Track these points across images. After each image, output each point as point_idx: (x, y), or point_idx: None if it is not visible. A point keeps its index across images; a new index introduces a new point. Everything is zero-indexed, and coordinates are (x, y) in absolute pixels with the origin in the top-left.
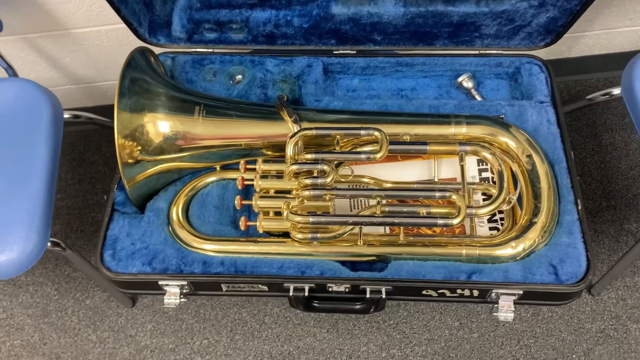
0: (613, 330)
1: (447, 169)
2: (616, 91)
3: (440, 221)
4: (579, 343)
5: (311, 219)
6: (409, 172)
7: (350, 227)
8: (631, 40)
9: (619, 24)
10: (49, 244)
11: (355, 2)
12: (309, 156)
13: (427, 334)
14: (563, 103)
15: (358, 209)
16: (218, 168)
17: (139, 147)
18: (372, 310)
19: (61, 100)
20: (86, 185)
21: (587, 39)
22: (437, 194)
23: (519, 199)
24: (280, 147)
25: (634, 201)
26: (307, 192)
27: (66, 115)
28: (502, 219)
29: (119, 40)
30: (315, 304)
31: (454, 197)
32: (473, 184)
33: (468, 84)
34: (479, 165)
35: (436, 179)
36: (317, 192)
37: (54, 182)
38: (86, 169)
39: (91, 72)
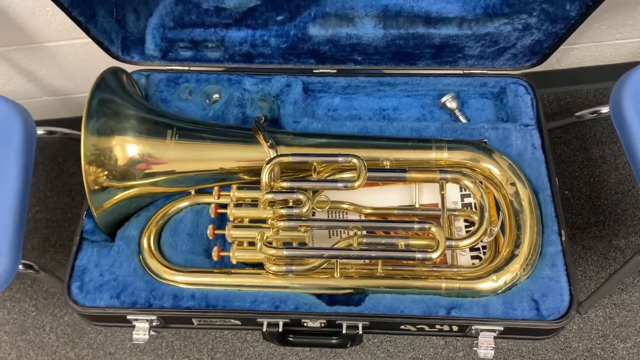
0: (600, 350)
1: (428, 193)
2: (604, 110)
3: (418, 255)
4: None
5: (285, 252)
6: (390, 197)
7: (327, 259)
8: (622, 52)
9: (609, 37)
10: (20, 266)
11: (333, 23)
12: (284, 184)
13: (412, 353)
14: (552, 115)
15: (337, 235)
16: (192, 192)
17: (108, 173)
18: (348, 345)
19: (38, 112)
20: (65, 197)
21: (577, 52)
22: (416, 226)
23: (502, 228)
24: (257, 172)
25: (622, 217)
26: (282, 223)
27: (40, 132)
28: (484, 247)
29: (94, 53)
30: (290, 339)
31: (433, 229)
32: (455, 210)
33: (452, 104)
34: (461, 191)
35: (417, 205)
36: (292, 224)
37: (25, 203)
38: (65, 181)
39: (68, 85)
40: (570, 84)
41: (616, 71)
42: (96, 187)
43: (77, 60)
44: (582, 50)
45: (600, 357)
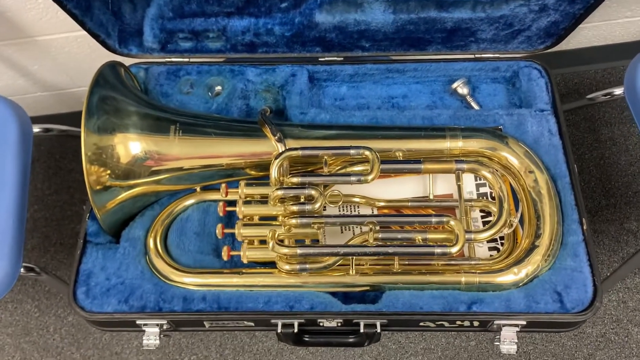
0: (614, 335)
1: (442, 184)
2: (618, 91)
3: (438, 250)
4: (579, 348)
5: (299, 251)
6: (403, 188)
7: (342, 257)
8: (631, 31)
9: (619, 15)
10: (22, 270)
11: (340, 9)
12: (295, 180)
13: (424, 343)
14: (561, 97)
15: (349, 230)
16: (198, 189)
17: (110, 172)
18: (366, 343)
19: (32, 108)
20: (64, 195)
21: (585, 31)
22: (434, 220)
23: (521, 218)
24: (264, 167)
25: (634, 199)
26: (294, 221)
27: (36, 130)
28: (502, 237)
29: (89, 46)
30: (306, 339)
31: (452, 222)
32: (471, 200)
33: (463, 90)
34: (476, 180)
35: (431, 196)
36: (304, 221)
37: (24, 205)
38: (63, 178)
39: (63, 79)
40: (578, 64)
41: (625, 50)
42: (98, 187)
43: (71, 54)
44: (591, 29)
45: (614, 342)
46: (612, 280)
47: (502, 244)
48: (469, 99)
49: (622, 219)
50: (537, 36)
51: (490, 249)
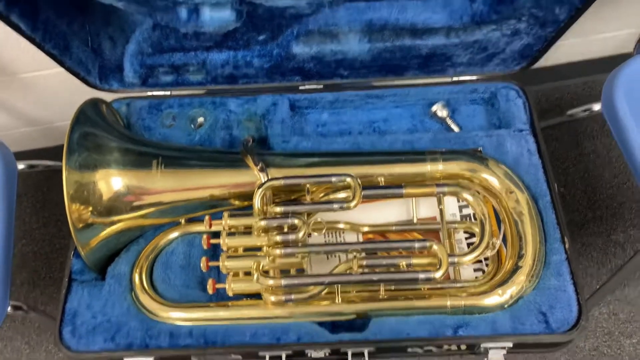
0: (607, 347)
1: (425, 207)
2: (596, 107)
3: (421, 275)
4: None
5: (284, 282)
6: (387, 212)
7: (327, 286)
8: (608, 46)
9: (595, 31)
10: (9, 309)
11: (317, 40)
12: (278, 209)
13: None
14: (542, 112)
15: (335, 256)
16: (182, 221)
17: (93, 209)
18: None
19: (18, 143)
20: (52, 228)
21: (563, 48)
22: (417, 245)
23: (504, 239)
24: (248, 197)
25: (619, 210)
26: (278, 251)
27: (21, 166)
28: (487, 258)
29: (72, 82)
30: None
31: (435, 247)
32: (454, 222)
33: (442, 112)
34: (459, 202)
35: (415, 220)
36: (289, 251)
37: (10, 244)
38: (51, 211)
39: (47, 114)
40: (558, 79)
41: (604, 64)
42: (81, 225)
43: (54, 90)
44: (568, 46)
45: (607, 355)
46: (601, 293)
47: (487, 265)
48: (448, 121)
49: (609, 231)
50: (512, 58)
51: (475, 270)
